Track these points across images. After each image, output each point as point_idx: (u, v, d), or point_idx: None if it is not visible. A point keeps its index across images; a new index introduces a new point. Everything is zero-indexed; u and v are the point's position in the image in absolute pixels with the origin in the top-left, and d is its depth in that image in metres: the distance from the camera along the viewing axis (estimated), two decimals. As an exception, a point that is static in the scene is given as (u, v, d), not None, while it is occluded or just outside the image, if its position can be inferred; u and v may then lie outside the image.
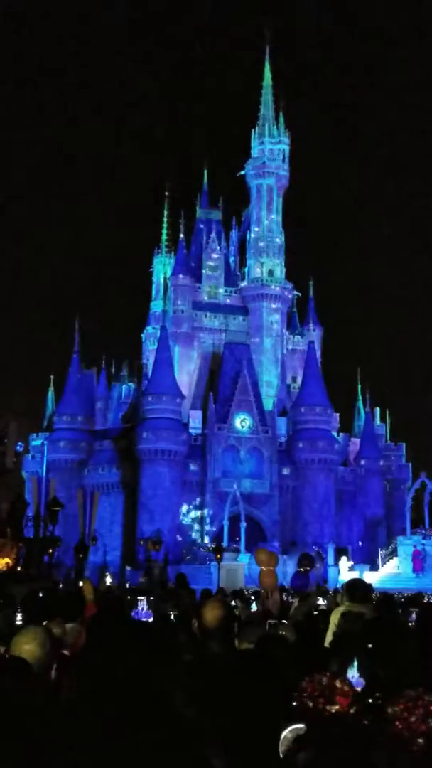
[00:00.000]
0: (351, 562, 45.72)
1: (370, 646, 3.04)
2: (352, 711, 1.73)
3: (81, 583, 10.47)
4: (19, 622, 7.79)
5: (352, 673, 2.38)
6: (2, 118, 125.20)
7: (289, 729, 2.12)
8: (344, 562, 45.28)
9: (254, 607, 10.70)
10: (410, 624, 8.26)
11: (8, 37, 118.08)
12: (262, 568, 9.81)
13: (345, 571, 43.75)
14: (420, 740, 1.61)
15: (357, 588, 6.36)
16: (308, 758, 1.69)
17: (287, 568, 34.32)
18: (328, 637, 6.22)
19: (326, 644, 5.84)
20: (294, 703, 1.81)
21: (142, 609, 8.39)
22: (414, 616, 9.73)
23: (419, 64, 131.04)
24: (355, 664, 2.41)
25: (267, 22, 70.34)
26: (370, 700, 1.77)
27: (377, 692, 1.78)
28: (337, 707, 1.75)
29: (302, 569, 13.34)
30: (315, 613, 9.28)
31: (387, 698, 1.71)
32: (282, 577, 17.91)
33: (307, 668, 2.47)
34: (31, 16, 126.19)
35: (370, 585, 6.86)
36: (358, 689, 1.89)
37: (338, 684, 1.79)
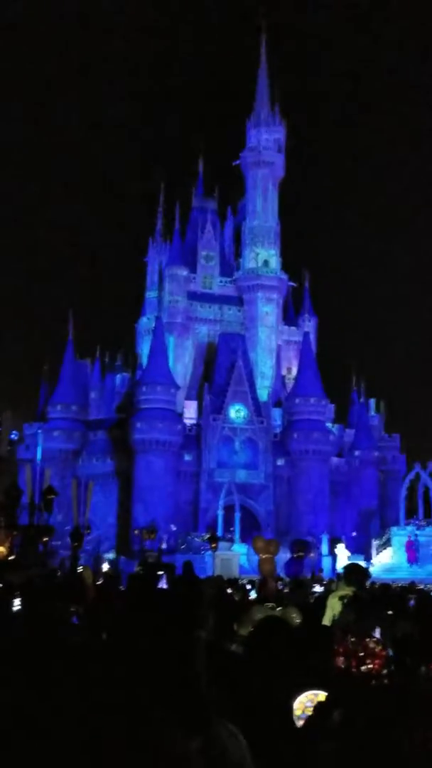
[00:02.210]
0: (348, 552, 45.84)
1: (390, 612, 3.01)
2: (385, 672, 1.70)
3: (80, 569, 10.45)
4: (16, 608, 7.76)
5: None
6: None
7: (304, 694, 2.09)
8: (342, 550, 45.34)
9: (253, 595, 10.69)
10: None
11: (7, 23, 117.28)
12: (261, 555, 9.81)
13: (343, 560, 43.79)
14: None
15: (352, 571, 6.49)
16: (343, 717, 1.65)
17: (284, 554, 34.37)
18: (326, 621, 6.21)
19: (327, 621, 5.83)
20: (331, 664, 1.78)
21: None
22: (413, 602, 9.81)
23: (417, 53, 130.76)
24: (377, 630, 2.38)
25: (264, 10, 69.72)
26: (402, 662, 1.74)
27: (408, 654, 1.75)
28: (370, 667, 1.72)
29: (296, 555, 13.39)
30: (310, 600, 9.28)
31: (418, 660, 1.68)
32: (277, 565, 17.92)
33: (311, 649, 2.42)
34: (30, 4, 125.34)
35: (366, 569, 6.89)
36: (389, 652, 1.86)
37: (371, 645, 1.76)
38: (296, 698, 2.12)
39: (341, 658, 1.79)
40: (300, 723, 2.09)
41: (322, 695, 2.01)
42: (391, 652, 1.95)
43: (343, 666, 1.77)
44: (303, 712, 2.11)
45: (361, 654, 1.79)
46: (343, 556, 43.57)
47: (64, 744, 1.97)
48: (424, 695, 1.62)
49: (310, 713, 2.03)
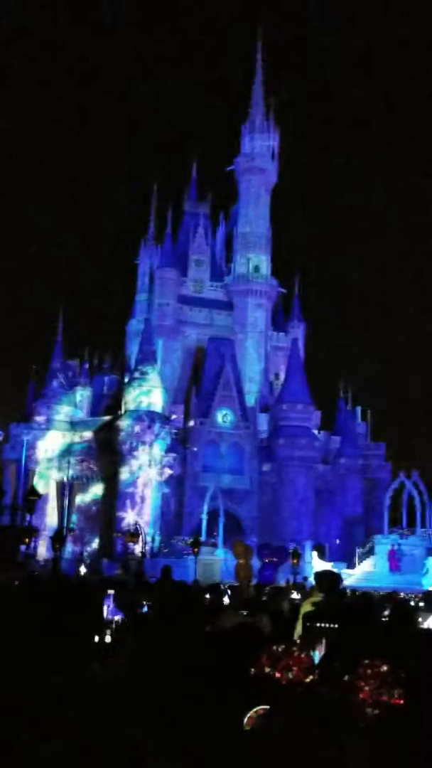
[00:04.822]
0: (322, 561, 45.87)
1: (333, 626, 3.04)
2: (308, 679, 1.73)
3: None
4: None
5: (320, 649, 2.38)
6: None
7: (254, 709, 2.11)
8: (315, 559, 45.43)
9: (226, 600, 10.68)
10: (384, 618, 8.32)
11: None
12: (239, 560, 9.81)
13: (317, 567, 43.83)
14: (373, 708, 1.60)
15: (323, 578, 6.54)
16: (261, 723, 1.68)
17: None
18: (298, 628, 6.24)
19: (296, 634, 5.85)
20: (252, 671, 1.80)
21: (109, 606, 7.73)
22: (387, 612, 9.82)
23: (416, 58, 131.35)
24: (323, 641, 2.41)
25: (260, 16, 70.13)
26: (327, 670, 1.76)
27: (335, 663, 1.77)
28: (292, 675, 1.74)
29: (267, 561, 13.46)
30: (288, 606, 9.28)
31: (343, 668, 1.70)
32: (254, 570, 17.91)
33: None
34: (30, 8, 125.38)
35: (337, 575, 6.93)
36: (316, 660, 1.89)
37: (294, 653, 1.79)
38: (247, 714, 2.13)
39: (265, 666, 1.81)
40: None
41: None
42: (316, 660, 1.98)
43: (266, 673, 1.79)
44: (252, 727, 2.12)
45: (286, 662, 1.81)
46: (317, 563, 43.56)
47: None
48: (339, 704, 1.65)
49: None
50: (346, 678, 1.70)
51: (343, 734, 1.48)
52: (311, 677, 1.79)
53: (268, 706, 1.90)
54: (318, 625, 2.95)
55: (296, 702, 1.69)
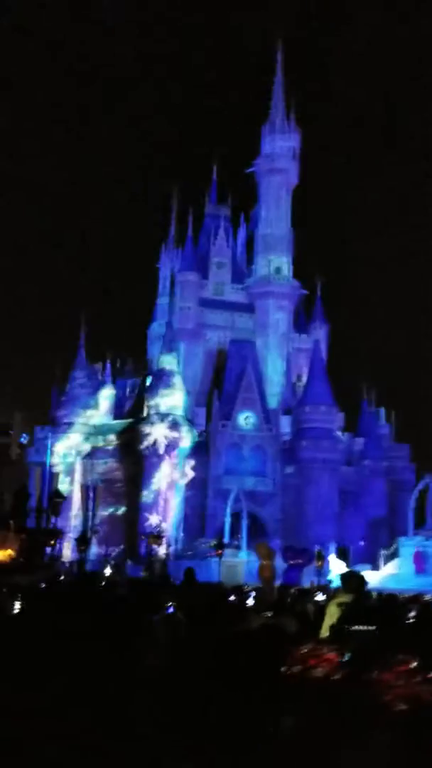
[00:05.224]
0: (341, 562, 45.67)
1: (364, 628, 3.06)
2: (336, 677, 1.75)
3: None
4: (16, 611, 7.82)
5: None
6: (10, 110, 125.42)
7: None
8: (334, 560, 45.21)
9: (250, 602, 10.69)
10: (409, 621, 8.29)
11: (17, 31, 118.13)
12: (262, 562, 9.82)
13: (336, 569, 43.54)
14: (402, 703, 1.61)
15: (349, 579, 6.56)
16: (291, 722, 1.70)
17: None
18: (325, 628, 6.24)
19: (321, 636, 5.85)
20: (282, 669, 1.83)
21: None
22: (413, 612, 9.78)
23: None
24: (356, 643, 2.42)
25: (282, 18, 70.22)
26: (355, 667, 1.78)
27: (363, 660, 1.79)
28: (321, 672, 1.76)
29: (292, 563, 13.46)
30: (312, 608, 9.28)
31: (371, 666, 1.72)
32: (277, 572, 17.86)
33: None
34: (38, 16, 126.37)
35: (362, 576, 6.92)
36: (345, 658, 1.90)
37: (323, 651, 1.81)
38: (273, 714, 2.13)
39: (295, 665, 1.83)
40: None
41: None
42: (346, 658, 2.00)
43: (296, 672, 1.82)
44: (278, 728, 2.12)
45: (314, 660, 1.84)
46: (336, 565, 43.29)
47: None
48: (373, 699, 1.67)
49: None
50: (375, 674, 1.72)
51: (372, 730, 1.50)
52: (340, 675, 1.82)
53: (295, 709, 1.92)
54: (350, 627, 2.97)
55: (326, 699, 1.71)
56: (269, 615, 6.12)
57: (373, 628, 2.91)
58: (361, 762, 1.43)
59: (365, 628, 2.89)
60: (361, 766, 1.42)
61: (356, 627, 2.92)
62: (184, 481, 53.12)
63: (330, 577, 35.35)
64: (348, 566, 43.76)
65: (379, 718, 1.57)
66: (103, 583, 13.88)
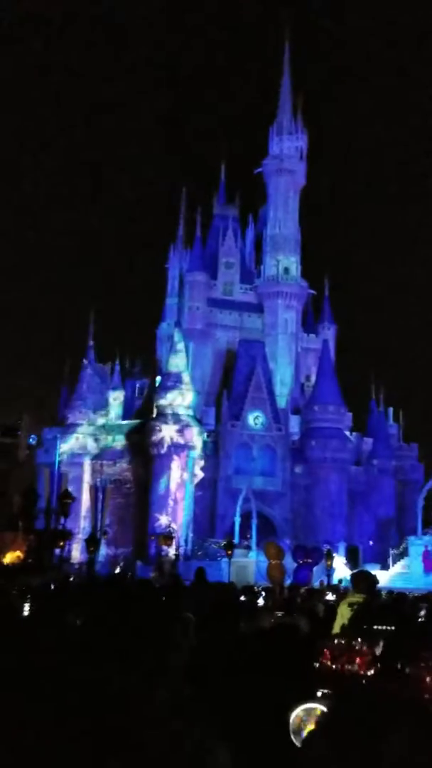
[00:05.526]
0: (344, 559, 45.56)
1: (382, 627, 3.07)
2: (371, 672, 1.75)
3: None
4: (26, 613, 7.85)
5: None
6: (21, 115, 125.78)
7: (301, 708, 2.12)
8: (338, 560, 45.10)
9: (261, 602, 10.71)
10: (420, 619, 8.30)
11: (28, 32, 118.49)
12: (271, 561, 9.83)
13: (340, 570, 43.44)
14: None
15: (360, 579, 6.59)
16: (326, 718, 1.71)
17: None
18: (336, 628, 6.25)
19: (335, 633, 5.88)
20: (316, 665, 1.83)
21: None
22: (423, 612, 9.79)
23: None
24: (380, 643, 2.42)
25: (289, 17, 70.16)
26: (389, 663, 1.79)
27: (396, 655, 1.79)
28: (356, 667, 1.77)
29: (302, 562, 13.40)
30: (322, 607, 9.29)
31: (406, 660, 1.72)
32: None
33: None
34: (49, 17, 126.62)
35: (373, 576, 6.94)
36: (377, 652, 1.91)
37: (357, 646, 1.82)
38: (293, 711, 2.12)
39: (328, 660, 1.84)
40: (295, 738, 2.08)
41: (318, 709, 2.01)
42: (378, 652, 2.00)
43: (332, 667, 1.83)
44: (299, 726, 2.11)
45: (348, 655, 1.84)
46: (340, 566, 43.13)
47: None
48: (408, 694, 1.68)
49: (307, 727, 2.04)
50: (409, 671, 1.72)
51: (405, 725, 1.50)
52: (373, 670, 1.82)
53: (320, 705, 1.93)
54: (374, 627, 2.98)
55: (363, 693, 1.72)
56: (280, 615, 6.14)
57: (392, 627, 2.92)
58: (403, 758, 1.43)
59: (385, 627, 2.89)
60: (402, 762, 1.42)
61: (377, 627, 2.93)
62: (193, 482, 53.13)
63: (335, 576, 35.28)
64: (358, 566, 43.68)
65: (411, 711, 1.58)
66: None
